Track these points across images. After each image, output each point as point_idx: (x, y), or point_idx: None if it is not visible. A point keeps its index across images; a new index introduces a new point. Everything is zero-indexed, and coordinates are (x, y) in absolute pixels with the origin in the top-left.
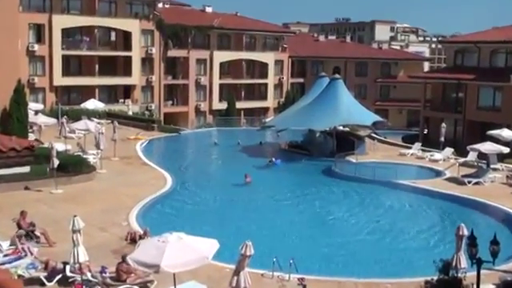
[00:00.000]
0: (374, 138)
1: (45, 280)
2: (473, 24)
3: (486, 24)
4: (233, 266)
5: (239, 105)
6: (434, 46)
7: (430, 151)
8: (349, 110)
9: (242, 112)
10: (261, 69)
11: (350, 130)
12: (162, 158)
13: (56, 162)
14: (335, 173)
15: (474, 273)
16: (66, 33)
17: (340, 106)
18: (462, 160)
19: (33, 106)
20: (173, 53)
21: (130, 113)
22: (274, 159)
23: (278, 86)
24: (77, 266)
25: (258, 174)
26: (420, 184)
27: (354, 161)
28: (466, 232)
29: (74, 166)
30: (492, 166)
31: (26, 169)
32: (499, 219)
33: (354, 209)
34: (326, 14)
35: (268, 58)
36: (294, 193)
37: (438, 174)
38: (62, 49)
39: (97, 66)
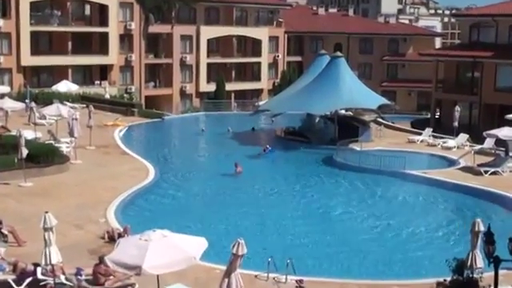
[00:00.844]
0: (380, 123)
1: (13, 283)
2: None
3: None
4: (223, 267)
5: (229, 86)
6: (446, 19)
7: (442, 138)
8: (352, 91)
9: (233, 95)
10: (253, 46)
11: (354, 115)
12: (144, 147)
13: (25, 152)
14: (337, 162)
15: (491, 273)
16: (35, 6)
17: (342, 88)
18: (477, 147)
19: None
20: (154, 28)
21: (107, 96)
22: (268, 147)
23: (273, 65)
24: (49, 267)
25: (250, 164)
26: (431, 174)
27: (358, 149)
28: (482, 228)
29: (44, 156)
30: (511, 154)
31: None
32: None
33: (358, 203)
34: None
35: (261, 33)
36: (290, 185)
37: (452, 163)
38: (31, 24)
39: (70, 44)
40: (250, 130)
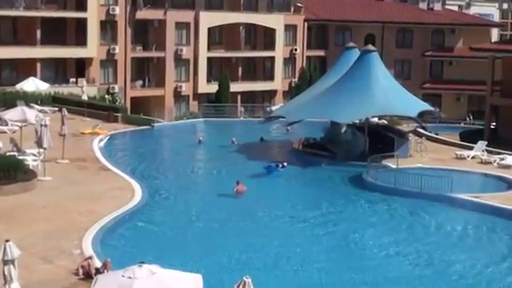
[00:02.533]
0: (420, 135)
1: None
2: None
3: None
4: None
5: (235, 87)
6: (505, 6)
7: (499, 153)
8: (386, 95)
9: (239, 97)
10: (265, 37)
11: (388, 124)
12: (129, 161)
13: None
14: (367, 183)
15: None
16: None
17: (374, 90)
18: None
19: None
20: (144, 14)
21: (85, 97)
22: (283, 164)
23: (290, 61)
24: None
25: (259, 184)
26: (485, 199)
27: (394, 166)
28: None
29: (5, 171)
30: None
31: None
32: None
33: (394, 234)
34: None
35: (275, 21)
36: (309, 211)
37: (511, 185)
38: None
39: (38, 32)
40: (259, 140)
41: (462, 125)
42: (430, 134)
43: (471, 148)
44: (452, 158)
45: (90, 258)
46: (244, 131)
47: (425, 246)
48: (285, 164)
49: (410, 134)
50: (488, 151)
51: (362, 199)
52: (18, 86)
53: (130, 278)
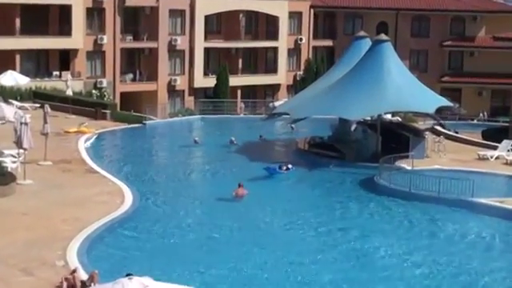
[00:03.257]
0: (438, 133)
1: None
2: None
3: None
4: None
5: (234, 81)
6: None
7: None
8: (401, 89)
9: (239, 92)
10: (268, 25)
11: (403, 121)
12: (119, 163)
13: None
14: (379, 186)
15: None
16: None
17: (387, 84)
18: None
19: None
20: (134, 1)
21: (70, 92)
22: (288, 166)
23: (294, 51)
24: None
25: (262, 188)
26: (510, 204)
27: (409, 168)
28: None
29: None
30: None
31: None
32: None
33: (409, 242)
34: None
35: (279, 8)
36: (317, 217)
37: None
38: None
39: (18, 21)
40: (258, 138)
41: (475, 122)
42: (448, 133)
43: (495, 148)
44: (474, 158)
45: (75, 270)
46: (244, 129)
47: (445, 257)
48: (289, 166)
49: (427, 133)
50: None
51: (373, 204)
52: None
53: None
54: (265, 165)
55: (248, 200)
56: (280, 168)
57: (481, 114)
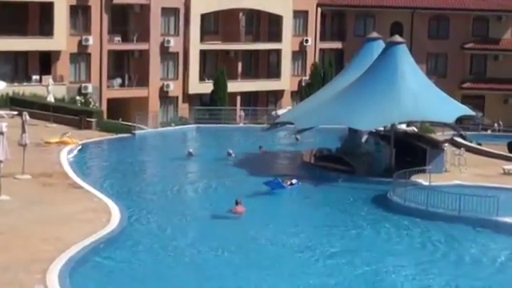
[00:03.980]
0: (459, 145)
1: None
2: None
3: None
4: None
5: (233, 86)
6: None
7: None
8: (417, 96)
9: (239, 99)
10: (270, 25)
11: (419, 132)
12: (105, 177)
13: None
14: (393, 204)
15: None
16: None
17: (402, 91)
18: None
19: None
20: None
21: (51, 99)
22: (293, 181)
23: (300, 54)
24: None
25: (263, 205)
26: None
27: (426, 183)
28: None
29: None
30: None
31: None
32: None
33: (430, 266)
34: None
35: (283, 6)
36: (323, 237)
37: None
38: None
39: None
40: (258, 149)
41: (489, 132)
42: (470, 144)
43: None
44: (498, 173)
45: None
46: (244, 141)
47: (472, 282)
48: (293, 181)
49: (446, 145)
50: None
51: (386, 224)
52: None
53: None
54: (266, 179)
55: (247, 218)
56: (283, 182)
57: (495, 124)
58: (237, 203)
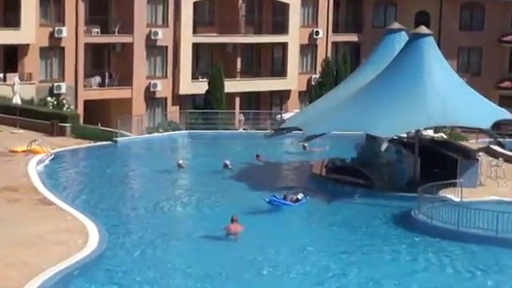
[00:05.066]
0: (496, 155)
1: None
2: None
3: None
4: None
5: (232, 86)
6: None
7: None
8: (446, 97)
9: (238, 100)
10: (274, 15)
11: (449, 139)
12: (81, 192)
13: None
14: (419, 222)
15: None
16: None
17: (428, 91)
18: None
19: None
20: None
21: (18, 100)
22: (299, 196)
23: (309, 48)
24: None
25: (265, 224)
26: None
27: (457, 199)
28: None
29: None
30: None
31: None
32: None
33: None
34: None
35: None
36: (336, 262)
37: None
38: None
39: None
40: (255, 158)
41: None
42: (509, 154)
43: None
44: None
45: None
46: (243, 150)
47: None
48: (299, 197)
49: (481, 154)
50: None
51: (410, 246)
52: None
53: None
54: (266, 195)
55: (244, 239)
56: (285, 199)
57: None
58: (232, 221)
